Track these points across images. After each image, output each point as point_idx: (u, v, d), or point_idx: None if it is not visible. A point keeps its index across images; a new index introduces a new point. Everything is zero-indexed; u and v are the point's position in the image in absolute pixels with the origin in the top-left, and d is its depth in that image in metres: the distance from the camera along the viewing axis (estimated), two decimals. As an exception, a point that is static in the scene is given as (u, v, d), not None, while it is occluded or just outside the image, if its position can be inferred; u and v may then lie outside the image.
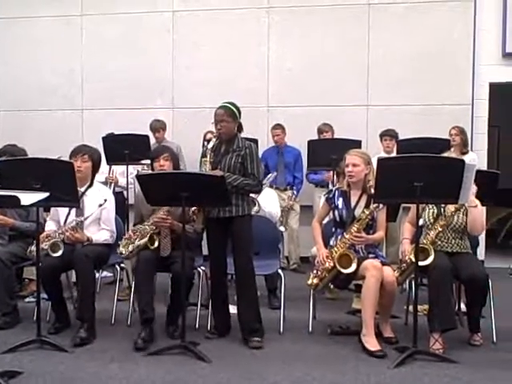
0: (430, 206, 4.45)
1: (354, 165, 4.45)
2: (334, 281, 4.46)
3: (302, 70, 7.57)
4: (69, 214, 4.61)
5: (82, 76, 7.99)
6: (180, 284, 4.21)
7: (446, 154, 4.57)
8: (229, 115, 4.35)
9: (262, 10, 7.66)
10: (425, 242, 4.29)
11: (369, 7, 7.49)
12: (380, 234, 4.48)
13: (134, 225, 4.66)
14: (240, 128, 4.46)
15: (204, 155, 4.41)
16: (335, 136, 6.86)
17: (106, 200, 4.59)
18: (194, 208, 4.40)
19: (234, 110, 4.38)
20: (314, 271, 4.44)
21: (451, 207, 4.34)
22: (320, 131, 6.95)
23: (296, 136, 7.19)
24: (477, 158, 6.57)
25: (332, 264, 4.31)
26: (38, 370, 3.80)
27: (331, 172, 6.31)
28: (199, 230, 4.54)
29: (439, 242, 4.39)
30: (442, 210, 4.41)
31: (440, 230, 4.35)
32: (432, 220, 4.42)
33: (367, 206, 4.37)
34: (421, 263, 4.09)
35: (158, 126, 7.24)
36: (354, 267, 4.22)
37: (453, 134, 6.50)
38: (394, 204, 5.25)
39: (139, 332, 4.27)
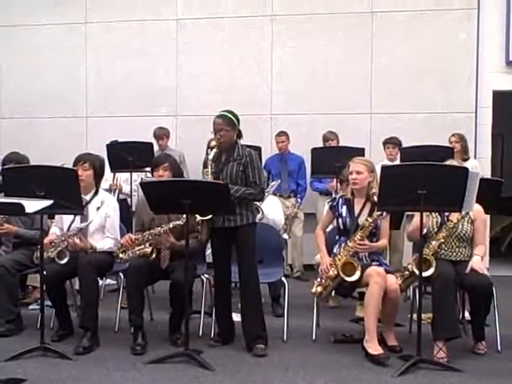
0: (434, 215, 4.44)
1: (358, 172, 4.44)
2: (337, 289, 4.45)
3: (306, 78, 7.58)
4: (73, 221, 4.61)
5: (85, 83, 8.02)
6: (179, 291, 4.21)
7: (448, 162, 4.57)
8: (227, 124, 4.31)
9: (265, 18, 7.68)
10: (427, 251, 4.29)
11: (372, 15, 7.50)
12: (383, 241, 4.48)
13: (136, 232, 4.65)
14: (239, 135, 4.43)
15: (205, 166, 4.39)
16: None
17: (102, 201, 4.59)
18: (198, 219, 4.39)
19: (233, 118, 4.35)
20: (318, 279, 4.44)
21: (454, 218, 4.34)
22: (325, 139, 6.95)
23: (299, 144, 7.21)
24: (478, 165, 6.54)
25: (336, 272, 4.31)
26: (41, 377, 3.80)
27: (335, 181, 6.30)
28: (203, 241, 4.52)
29: (443, 251, 4.38)
30: (446, 219, 4.40)
31: (442, 241, 4.35)
32: (436, 229, 4.41)
33: (371, 213, 4.37)
34: (422, 274, 4.08)
35: (161, 134, 7.26)
36: (357, 275, 4.21)
37: (453, 142, 6.46)
38: (398, 212, 5.24)
39: (133, 339, 4.32)
